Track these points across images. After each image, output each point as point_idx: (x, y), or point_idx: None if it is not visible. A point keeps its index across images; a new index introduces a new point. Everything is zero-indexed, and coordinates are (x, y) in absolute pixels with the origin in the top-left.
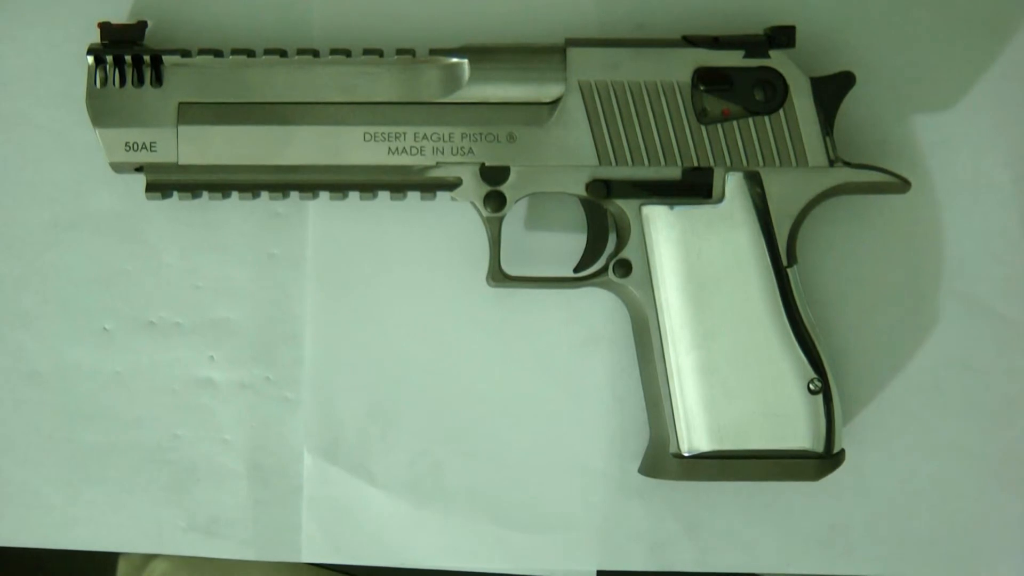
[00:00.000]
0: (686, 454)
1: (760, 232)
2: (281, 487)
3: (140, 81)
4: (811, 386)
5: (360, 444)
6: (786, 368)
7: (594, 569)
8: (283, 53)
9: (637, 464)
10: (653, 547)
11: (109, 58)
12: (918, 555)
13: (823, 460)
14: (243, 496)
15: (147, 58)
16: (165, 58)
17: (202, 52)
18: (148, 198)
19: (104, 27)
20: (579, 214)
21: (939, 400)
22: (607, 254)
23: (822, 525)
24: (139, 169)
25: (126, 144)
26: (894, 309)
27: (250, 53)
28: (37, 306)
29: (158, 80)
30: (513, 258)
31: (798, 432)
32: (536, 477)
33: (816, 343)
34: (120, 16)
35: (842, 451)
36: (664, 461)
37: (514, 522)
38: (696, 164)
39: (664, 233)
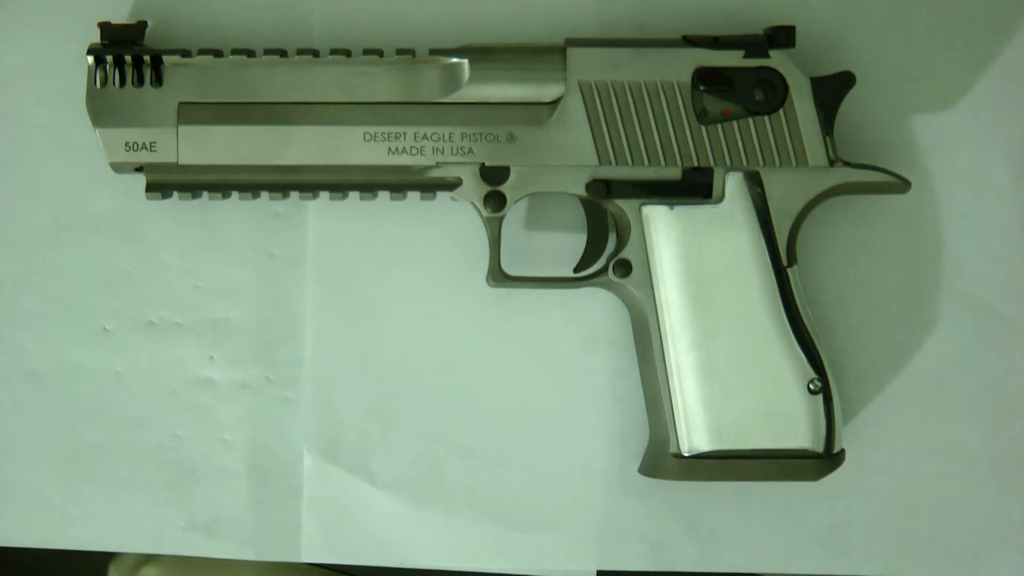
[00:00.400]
0: (686, 454)
1: (760, 232)
2: (281, 487)
3: (140, 81)
4: (811, 386)
5: (360, 444)
6: (786, 368)
7: (594, 569)
8: (283, 53)
9: (637, 464)
10: (653, 547)
11: (109, 58)
12: (918, 555)
13: (823, 460)
14: (243, 496)
15: (147, 58)
16: (165, 58)
17: (202, 52)
18: (148, 198)
19: (104, 27)
20: (579, 214)
21: (939, 400)
22: (607, 254)
23: (822, 525)
24: (139, 169)
25: (126, 144)
26: (894, 309)
27: (250, 53)
28: (37, 306)
29: (158, 80)
30: (513, 258)
31: (798, 432)
32: (536, 477)
33: (816, 343)
34: (120, 16)
35: (842, 451)
36: (664, 461)
37: (514, 522)
38: (696, 164)
39: (664, 233)
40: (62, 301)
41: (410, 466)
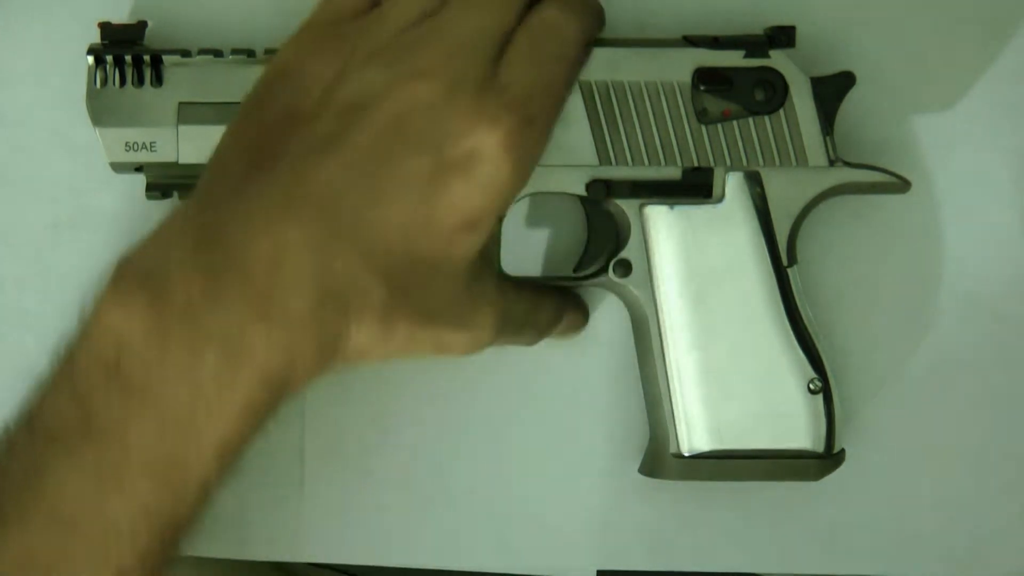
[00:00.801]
0: (686, 454)
1: (760, 232)
2: (281, 487)
3: (140, 81)
4: (811, 386)
5: (360, 444)
6: (786, 368)
7: (594, 569)
8: None
9: (637, 464)
10: (653, 547)
11: (109, 58)
12: (918, 555)
13: (823, 460)
14: (243, 496)
15: (147, 58)
16: (165, 58)
17: (202, 52)
18: (148, 198)
19: (104, 27)
20: (579, 214)
21: (939, 400)
22: (607, 254)
23: (822, 525)
24: (139, 169)
25: (126, 144)
26: (894, 309)
27: (250, 53)
28: (37, 306)
29: (158, 80)
30: (513, 258)
31: (798, 432)
32: (536, 477)
33: (816, 343)
34: (120, 16)
35: (842, 451)
36: (664, 461)
37: (514, 522)
38: (696, 164)
39: (664, 233)
40: (62, 301)
41: (410, 466)
